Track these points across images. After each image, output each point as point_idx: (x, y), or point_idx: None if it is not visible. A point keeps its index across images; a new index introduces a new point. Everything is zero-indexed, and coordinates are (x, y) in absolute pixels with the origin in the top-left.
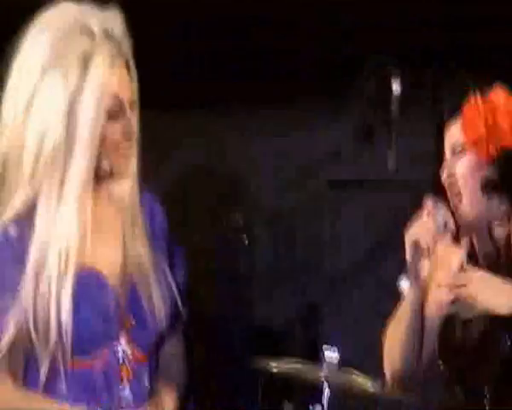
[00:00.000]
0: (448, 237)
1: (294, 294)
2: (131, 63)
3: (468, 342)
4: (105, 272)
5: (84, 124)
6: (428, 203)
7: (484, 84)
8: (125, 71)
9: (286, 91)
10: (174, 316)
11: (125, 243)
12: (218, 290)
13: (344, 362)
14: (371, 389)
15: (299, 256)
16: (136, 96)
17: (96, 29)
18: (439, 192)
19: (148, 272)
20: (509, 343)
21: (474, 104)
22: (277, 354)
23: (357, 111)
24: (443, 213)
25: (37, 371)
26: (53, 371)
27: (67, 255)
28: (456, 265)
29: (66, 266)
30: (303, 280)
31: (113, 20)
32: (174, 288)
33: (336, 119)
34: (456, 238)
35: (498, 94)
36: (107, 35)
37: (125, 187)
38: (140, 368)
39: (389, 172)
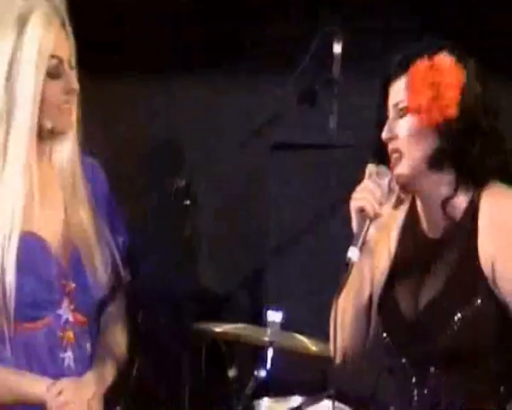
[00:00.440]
0: (393, 201)
1: (239, 257)
2: (67, 22)
3: (412, 317)
4: (48, 238)
5: (23, 84)
6: (371, 168)
7: (432, 48)
8: (62, 30)
9: (229, 55)
10: (115, 281)
11: (66, 209)
12: (161, 254)
13: (288, 325)
14: (315, 350)
15: (237, 217)
16: (73, 55)
17: None
18: (383, 154)
19: (90, 237)
20: (456, 318)
21: (421, 69)
22: (221, 319)
23: (300, 73)
24: (387, 177)
25: None
26: None
27: (13, 217)
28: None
29: (11, 229)
30: (247, 244)
31: None
32: (116, 252)
33: (280, 80)
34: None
35: (445, 61)
36: None
37: (66, 147)
38: (82, 333)
39: (331, 135)
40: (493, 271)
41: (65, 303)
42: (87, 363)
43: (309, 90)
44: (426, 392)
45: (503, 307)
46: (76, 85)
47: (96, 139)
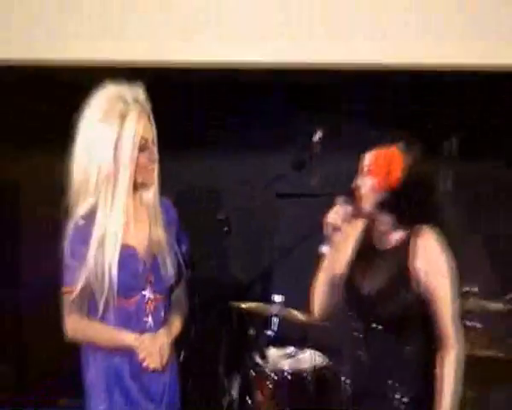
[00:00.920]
0: (350, 221)
1: (255, 259)
2: (151, 116)
3: (365, 295)
4: (137, 248)
5: (124, 156)
6: (339, 199)
7: (388, 141)
8: (148, 121)
9: (248, 137)
10: (179, 274)
11: (150, 230)
12: (208, 258)
13: (287, 304)
14: (303, 319)
15: (256, 236)
16: (155, 136)
17: (128, 97)
18: (349, 196)
19: (163, 247)
20: (391, 299)
21: (381, 154)
22: (244, 299)
23: (294, 150)
24: (347, 206)
25: (95, 308)
26: (105, 307)
27: (116, 237)
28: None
29: (115, 243)
30: (260, 249)
31: (139, 92)
32: (180, 256)
33: (282, 154)
34: (357, 221)
35: (395, 151)
36: (136, 100)
37: (151, 193)
38: (158, 305)
39: (315, 188)
40: (424, 277)
41: (148, 287)
42: (161, 324)
43: (299, 160)
44: (370, 341)
45: (420, 296)
46: (156, 156)
47: (168, 188)
